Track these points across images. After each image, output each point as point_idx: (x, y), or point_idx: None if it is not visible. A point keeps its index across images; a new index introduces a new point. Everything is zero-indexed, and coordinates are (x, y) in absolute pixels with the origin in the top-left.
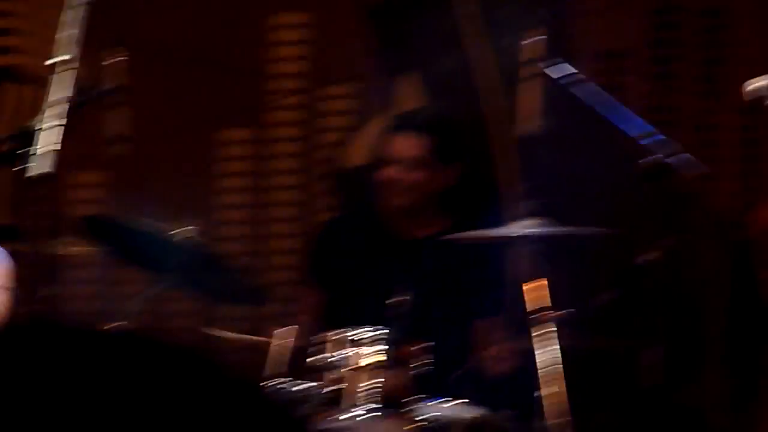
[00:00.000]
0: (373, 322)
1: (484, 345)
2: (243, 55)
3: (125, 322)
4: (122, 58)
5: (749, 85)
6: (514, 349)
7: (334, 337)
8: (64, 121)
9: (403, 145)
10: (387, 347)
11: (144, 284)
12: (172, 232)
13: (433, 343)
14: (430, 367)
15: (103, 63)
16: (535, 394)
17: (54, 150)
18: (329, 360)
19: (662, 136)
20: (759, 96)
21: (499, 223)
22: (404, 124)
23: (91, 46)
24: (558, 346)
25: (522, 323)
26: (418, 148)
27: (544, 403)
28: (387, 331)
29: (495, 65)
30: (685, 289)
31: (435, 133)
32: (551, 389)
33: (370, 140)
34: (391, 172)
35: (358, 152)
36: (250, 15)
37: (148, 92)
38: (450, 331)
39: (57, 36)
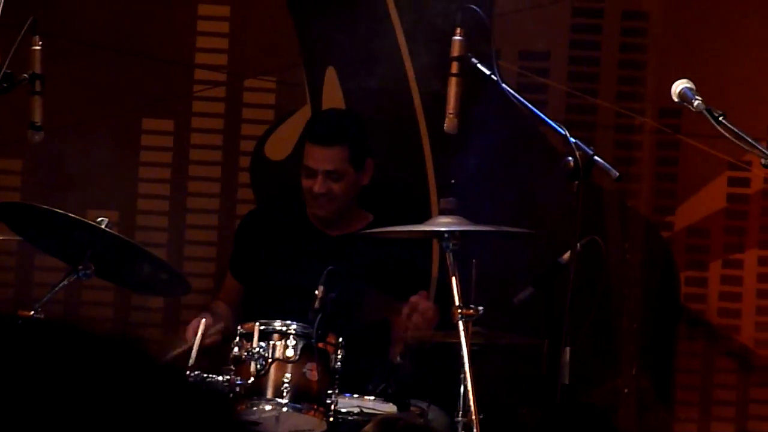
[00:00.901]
0: (293, 315)
1: (401, 340)
2: (166, 45)
3: (40, 311)
4: (38, 46)
5: (678, 86)
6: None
7: (260, 328)
8: None
9: (323, 157)
10: (307, 340)
11: (60, 273)
12: (90, 221)
13: (352, 338)
14: (348, 362)
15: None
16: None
17: None
18: (253, 351)
19: (579, 138)
20: (686, 98)
21: (417, 219)
22: (322, 135)
23: (7, 33)
24: (472, 344)
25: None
26: (337, 162)
27: (460, 398)
28: (307, 324)
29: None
30: (601, 288)
31: (350, 141)
32: (467, 385)
33: (292, 134)
34: (314, 184)
35: (279, 145)
36: (174, 5)
37: (70, 80)
38: (370, 326)
39: None
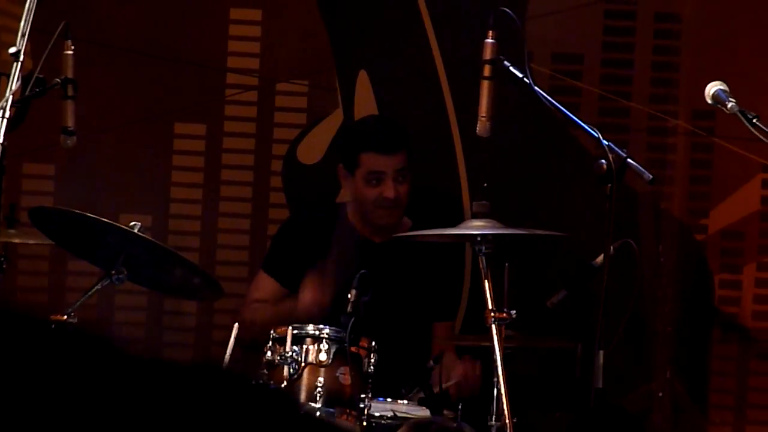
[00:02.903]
0: (331, 319)
1: (440, 346)
2: (198, 49)
3: (72, 315)
4: (70, 51)
5: (712, 88)
6: (478, 375)
7: (293, 332)
8: (8, 114)
9: (390, 162)
10: (340, 344)
11: (93, 277)
12: (123, 226)
13: (387, 342)
14: (382, 365)
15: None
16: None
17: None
18: (286, 355)
19: (613, 141)
20: (720, 100)
21: (452, 222)
22: (387, 143)
23: (39, 37)
24: (505, 347)
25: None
26: (404, 161)
27: (493, 402)
28: (339, 328)
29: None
30: (635, 291)
31: (407, 145)
32: (500, 388)
33: (324, 138)
34: (383, 189)
35: (311, 149)
36: (205, 9)
37: (102, 85)
38: (406, 331)
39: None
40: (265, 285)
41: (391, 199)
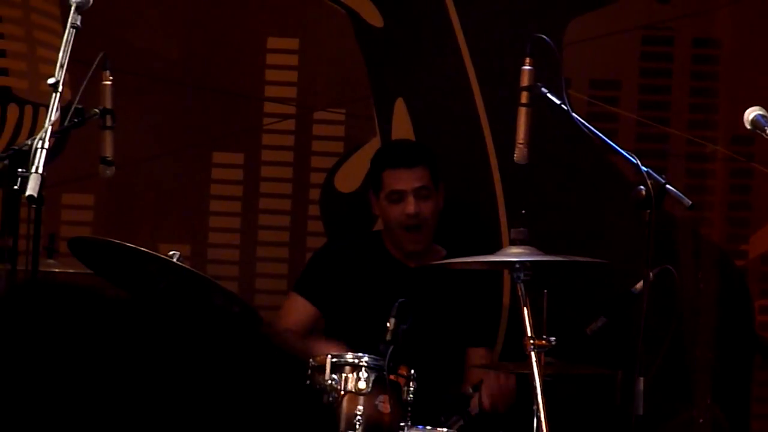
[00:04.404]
0: (368, 346)
1: (476, 373)
2: (236, 79)
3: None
4: (109, 81)
5: (751, 114)
6: (511, 387)
7: (332, 361)
8: (47, 144)
9: (410, 177)
10: (379, 372)
11: None
12: (162, 255)
13: (425, 369)
14: (421, 393)
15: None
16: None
17: (40, 172)
18: (325, 384)
19: (651, 167)
20: (759, 125)
21: (489, 249)
22: (404, 157)
23: (78, 68)
24: (544, 375)
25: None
26: (424, 179)
27: (533, 430)
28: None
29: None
30: (674, 318)
31: (428, 162)
32: (540, 416)
33: (361, 166)
34: (405, 206)
35: (349, 178)
36: (242, 38)
37: (140, 115)
38: (444, 358)
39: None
40: (297, 307)
41: (412, 214)
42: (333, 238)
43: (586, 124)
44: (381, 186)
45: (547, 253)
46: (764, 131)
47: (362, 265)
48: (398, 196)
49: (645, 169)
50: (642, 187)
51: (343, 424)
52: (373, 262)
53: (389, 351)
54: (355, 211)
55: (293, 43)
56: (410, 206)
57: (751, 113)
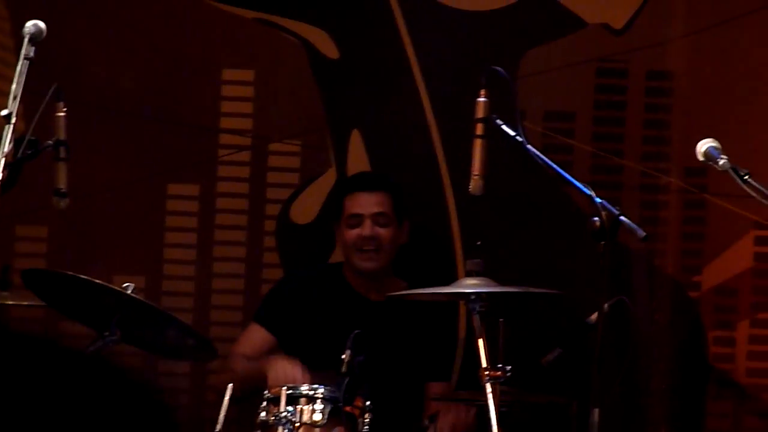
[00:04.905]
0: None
1: (434, 407)
2: (191, 110)
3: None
4: (63, 113)
5: (703, 146)
6: (471, 418)
7: (287, 392)
8: (0, 176)
9: (369, 201)
10: (335, 404)
11: (87, 339)
12: (116, 287)
13: (382, 401)
14: (378, 425)
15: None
16: None
17: None
18: (280, 416)
19: (605, 198)
20: (711, 157)
21: (444, 281)
22: (365, 181)
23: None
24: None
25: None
26: (383, 205)
27: None
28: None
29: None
30: (629, 348)
31: (392, 190)
32: None
33: (317, 197)
34: (361, 230)
35: (304, 209)
36: (198, 70)
37: (94, 146)
38: (401, 390)
39: None
40: (254, 336)
41: (367, 236)
42: (295, 269)
43: (541, 155)
44: (342, 211)
45: (502, 284)
46: (717, 163)
47: (322, 296)
48: (356, 221)
49: (599, 201)
50: (596, 218)
51: None
52: (332, 293)
53: (344, 383)
54: (310, 243)
55: (249, 75)
56: (366, 229)
57: (704, 145)
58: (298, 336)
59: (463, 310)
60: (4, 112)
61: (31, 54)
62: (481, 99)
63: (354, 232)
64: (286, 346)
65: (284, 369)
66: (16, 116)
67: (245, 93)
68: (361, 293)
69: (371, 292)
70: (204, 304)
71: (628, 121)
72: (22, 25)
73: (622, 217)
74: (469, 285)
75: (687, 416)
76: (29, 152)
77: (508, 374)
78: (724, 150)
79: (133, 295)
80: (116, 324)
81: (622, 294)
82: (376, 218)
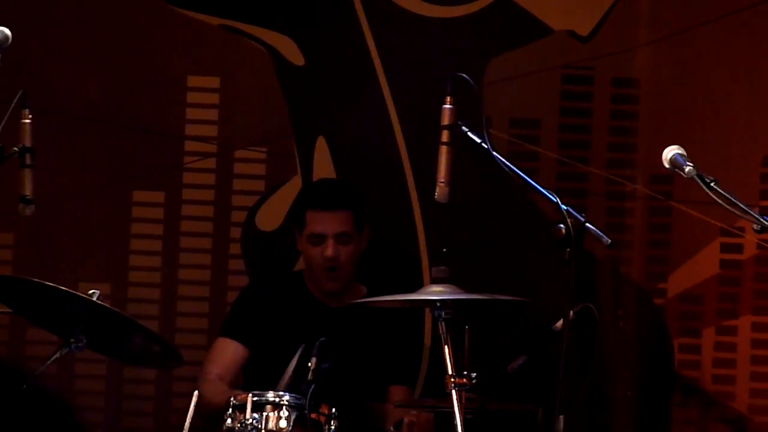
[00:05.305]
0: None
1: (397, 412)
2: (156, 117)
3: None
4: (28, 120)
5: (669, 153)
6: (431, 420)
7: (253, 399)
8: None
9: (331, 220)
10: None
11: (52, 346)
12: (81, 294)
13: (347, 408)
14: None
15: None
16: None
17: None
18: (246, 423)
19: (571, 205)
20: (677, 164)
21: (410, 287)
22: (327, 200)
23: None
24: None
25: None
26: (345, 224)
27: None
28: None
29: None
30: (594, 355)
31: (353, 206)
32: None
33: (283, 204)
34: (324, 249)
35: (270, 216)
36: (163, 77)
37: (60, 153)
38: (366, 397)
39: None
40: (225, 350)
41: (330, 257)
42: (254, 279)
43: (507, 162)
44: (303, 224)
45: (468, 291)
46: (683, 170)
47: (284, 305)
48: (318, 240)
49: (565, 208)
50: (562, 225)
51: None
52: (294, 302)
53: (310, 390)
54: (276, 250)
55: (214, 82)
56: (329, 249)
57: (670, 152)
58: (262, 345)
59: (428, 317)
60: None
61: None
62: (447, 106)
63: (317, 250)
64: (253, 356)
65: None
66: None
67: (210, 100)
68: (321, 300)
69: (331, 299)
70: (169, 311)
71: (593, 128)
72: None
73: (587, 224)
74: (435, 292)
75: (652, 423)
76: None
77: (474, 381)
78: (690, 157)
79: (98, 302)
80: (82, 331)
81: (588, 301)
82: (339, 237)
